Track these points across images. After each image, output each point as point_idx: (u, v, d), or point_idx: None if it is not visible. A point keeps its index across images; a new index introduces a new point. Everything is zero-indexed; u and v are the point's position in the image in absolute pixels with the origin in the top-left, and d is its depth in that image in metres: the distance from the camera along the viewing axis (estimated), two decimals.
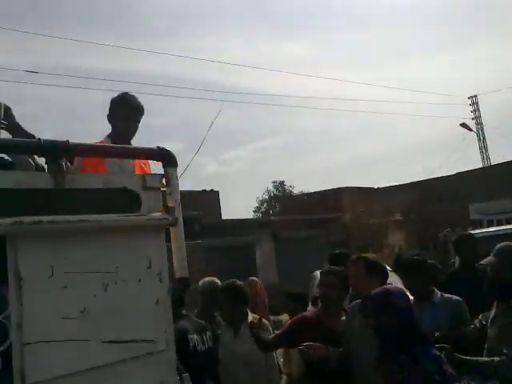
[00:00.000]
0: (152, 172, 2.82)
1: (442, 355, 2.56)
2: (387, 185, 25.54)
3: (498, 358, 2.85)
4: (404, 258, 3.97)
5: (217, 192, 22.22)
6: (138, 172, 3.03)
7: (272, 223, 17.16)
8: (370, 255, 3.44)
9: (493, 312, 3.12)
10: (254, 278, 5.99)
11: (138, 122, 3.32)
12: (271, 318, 5.83)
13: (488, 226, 11.39)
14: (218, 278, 4.53)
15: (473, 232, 6.18)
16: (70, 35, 32.52)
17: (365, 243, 14.27)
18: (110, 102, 3.35)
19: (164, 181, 1.87)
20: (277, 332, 3.41)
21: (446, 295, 3.55)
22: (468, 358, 2.99)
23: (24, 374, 1.40)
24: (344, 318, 3.46)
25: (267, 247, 16.10)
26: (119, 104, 3.29)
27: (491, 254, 3.17)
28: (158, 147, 1.98)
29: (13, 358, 1.40)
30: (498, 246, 3.19)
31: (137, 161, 3.19)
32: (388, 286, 2.82)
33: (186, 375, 1.76)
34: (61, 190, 1.59)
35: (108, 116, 3.33)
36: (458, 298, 3.47)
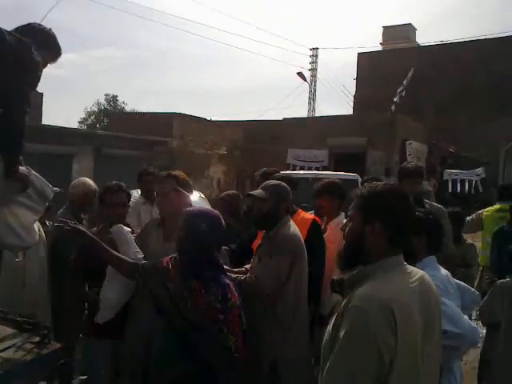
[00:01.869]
0: None
1: (231, 284, 2.52)
2: (220, 119, 26.05)
3: None
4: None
5: (41, 94, 20.48)
6: None
7: (96, 137, 16.44)
8: (181, 173, 3.33)
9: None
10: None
11: None
12: None
13: (299, 170, 12.58)
14: None
15: (283, 172, 6.60)
16: None
17: (187, 171, 14.48)
18: None
19: None
20: None
21: None
22: None
23: None
24: None
25: (87, 161, 15.46)
26: None
27: (260, 188, 3.37)
28: None
29: None
30: (267, 181, 3.42)
31: None
32: (204, 208, 2.75)
33: None
34: None
35: None
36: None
